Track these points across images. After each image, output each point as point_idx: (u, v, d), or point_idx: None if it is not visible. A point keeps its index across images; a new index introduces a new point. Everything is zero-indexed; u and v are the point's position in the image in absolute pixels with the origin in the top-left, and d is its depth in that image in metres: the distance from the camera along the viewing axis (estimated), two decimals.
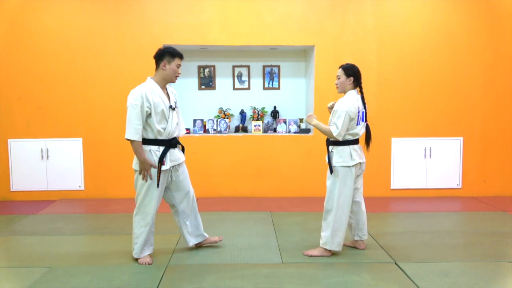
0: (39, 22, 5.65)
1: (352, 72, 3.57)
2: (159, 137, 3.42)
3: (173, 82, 3.52)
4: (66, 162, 5.80)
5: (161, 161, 3.40)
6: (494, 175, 5.98)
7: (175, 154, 3.53)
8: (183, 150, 3.69)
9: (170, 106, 3.46)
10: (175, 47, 3.51)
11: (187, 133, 5.98)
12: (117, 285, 3.09)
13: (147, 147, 3.41)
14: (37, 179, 5.79)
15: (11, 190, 5.78)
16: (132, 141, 3.35)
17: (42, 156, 5.77)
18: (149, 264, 3.48)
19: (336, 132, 3.46)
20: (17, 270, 3.40)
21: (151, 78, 3.48)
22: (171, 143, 3.48)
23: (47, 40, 5.68)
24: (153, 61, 3.42)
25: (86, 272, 3.33)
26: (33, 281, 3.16)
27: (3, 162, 5.76)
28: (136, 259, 3.52)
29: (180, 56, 3.48)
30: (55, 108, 5.76)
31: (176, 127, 3.53)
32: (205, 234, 3.84)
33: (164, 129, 3.42)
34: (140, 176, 3.41)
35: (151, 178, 3.40)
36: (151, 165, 3.37)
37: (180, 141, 3.67)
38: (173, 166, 3.53)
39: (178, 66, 3.47)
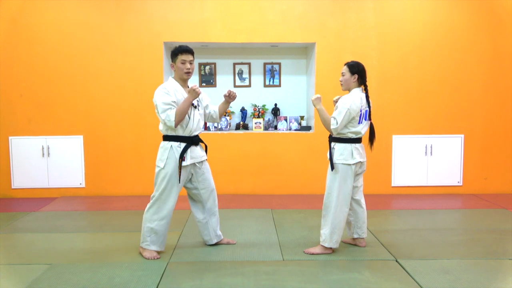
0: (40, 19, 5.65)
1: (357, 70, 3.56)
2: (181, 134, 3.46)
3: (184, 78, 3.50)
4: (67, 160, 5.80)
5: (182, 157, 3.43)
6: (495, 173, 5.98)
7: (196, 152, 3.56)
8: (206, 149, 3.72)
9: (192, 104, 3.48)
10: (176, 44, 3.49)
11: None
12: (118, 282, 3.10)
13: (168, 143, 3.45)
14: (38, 176, 5.79)
15: (12, 187, 5.79)
16: (175, 122, 3.33)
17: (43, 154, 5.77)
18: (155, 258, 3.50)
19: (335, 126, 3.47)
20: (18, 267, 3.41)
21: (172, 77, 3.54)
22: (192, 140, 3.51)
23: (48, 38, 5.68)
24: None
25: (87, 269, 3.34)
26: (34, 279, 3.16)
27: (4, 160, 5.76)
28: (140, 252, 3.56)
29: (181, 51, 3.44)
30: (56, 105, 5.76)
31: (197, 125, 3.54)
32: (221, 233, 3.87)
33: (186, 126, 3.45)
34: (162, 172, 3.44)
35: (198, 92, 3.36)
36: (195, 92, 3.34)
37: None
38: (194, 164, 3.56)
39: (183, 62, 3.43)
